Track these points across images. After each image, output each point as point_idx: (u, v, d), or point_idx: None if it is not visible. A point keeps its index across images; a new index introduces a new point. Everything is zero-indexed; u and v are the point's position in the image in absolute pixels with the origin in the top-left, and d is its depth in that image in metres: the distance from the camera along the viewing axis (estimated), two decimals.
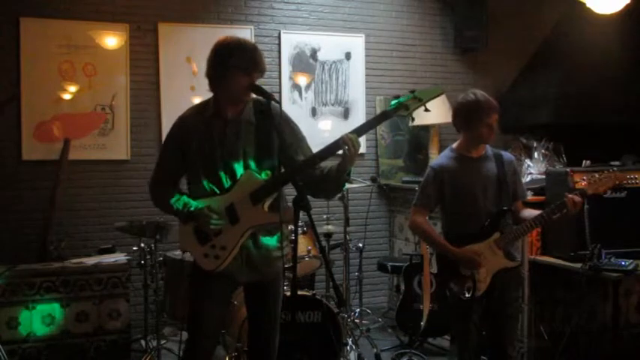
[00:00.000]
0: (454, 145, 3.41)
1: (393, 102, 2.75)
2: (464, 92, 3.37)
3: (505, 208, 3.28)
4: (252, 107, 2.87)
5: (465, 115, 3.30)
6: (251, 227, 2.77)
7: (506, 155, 3.43)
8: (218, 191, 2.81)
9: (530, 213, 3.31)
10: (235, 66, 2.75)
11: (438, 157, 3.52)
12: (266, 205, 2.76)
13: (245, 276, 2.90)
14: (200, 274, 2.85)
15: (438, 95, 2.85)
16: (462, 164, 3.33)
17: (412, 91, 2.78)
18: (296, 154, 2.83)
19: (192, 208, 2.82)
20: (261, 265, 2.87)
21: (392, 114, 2.76)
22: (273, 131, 2.78)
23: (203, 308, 2.88)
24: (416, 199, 3.42)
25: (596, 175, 3.21)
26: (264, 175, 2.79)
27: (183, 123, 2.89)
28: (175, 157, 2.90)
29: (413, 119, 2.83)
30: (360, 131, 2.71)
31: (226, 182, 2.80)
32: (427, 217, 3.39)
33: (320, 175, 2.78)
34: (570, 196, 3.13)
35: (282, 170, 2.82)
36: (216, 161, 2.81)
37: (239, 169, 2.80)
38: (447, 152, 3.42)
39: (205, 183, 2.84)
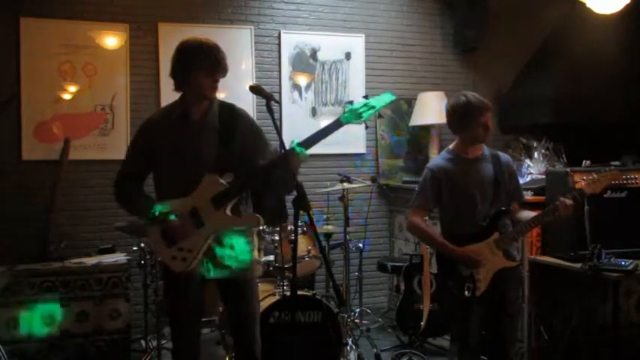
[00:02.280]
0: (451, 147, 3.41)
1: (347, 109, 2.80)
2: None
3: (503, 208, 3.29)
4: (218, 110, 2.93)
5: (459, 117, 3.30)
6: (215, 231, 2.83)
7: (504, 156, 3.44)
8: (182, 193, 2.84)
9: (527, 214, 3.32)
10: (198, 68, 2.82)
11: (434, 159, 3.53)
12: (228, 209, 2.81)
13: (214, 274, 2.95)
14: (171, 274, 2.92)
15: (390, 101, 2.89)
16: (458, 165, 3.33)
17: (365, 97, 2.84)
18: (257, 159, 2.87)
19: (156, 212, 2.87)
20: (228, 263, 2.92)
21: (344, 123, 2.81)
22: (237, 135, 2.85)
23: (179, 307, 2.98)
24: (413, 200, 3.43)
25: (594, 175, 3.23)
26: (226, 179, 2.81)
27: (151, 125, 2.97)
28: (140, 157, 2.97)
29: (367, 127, 2.92)
30: (312, 141, 2.79)
31: (190, 185, 2.83)
32: (425, 218, 3.39)
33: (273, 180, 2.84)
34: (562, 199, 3.17)
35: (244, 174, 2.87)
36: (180, 163, 2.86)
37: (202, 172, 2.82)
38: (443, 154, 3.43)
39: (170, 185, 2.89)
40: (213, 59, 2.84)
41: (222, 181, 2.80)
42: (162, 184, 2.94)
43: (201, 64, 2.82)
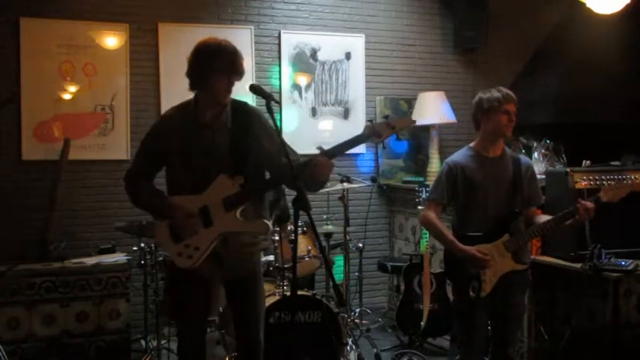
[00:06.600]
0: (472, 144, 3.40)
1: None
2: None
3: (516, 210, 3.26)
4: (231, 110, 2.91)
5: (486, 103, 3.26)
6: (223, 233, 2.82)
7: (525, 159, 3.42)
8: (194, 192, 2.84)
9: (543, 218, 3.30)
10: (216, 69, 2.80)
11: (454, 154, 3.49)
12: (238, 212, 2.80)
13: (220, 275, 2.96)
14: (178, 270, 2.90)
15: (410, 124, 2.91)
16: (476, 162, 3.31)
17: (385, 117, 2.86)
18: (279, 159, 2.85)
19: (166, 207, 2.86)
20: (234, 263, 2.92)
21: (365, 140, 2.86)
22: (250, 136, 2.84)
23: (184, 303, 2.98)
24: (429, 193, 3.45)
25: (612, 183, 3.19)
26: (238, 181, 2.80)
27: (164, 123, 2.97)
28: (153, 155, 2.96)
29: (384, 147, 2.95)
30: (334, 153, 2.83)
31: (203, 184, 2.82)
32: (439, 213, 3.37)
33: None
34: (583, 202, 3.12)
35: (268, 175, 2.90)
36: (193, 163, 2.85)
37: (215, 171, 2.82)
38: (464, 150, 3.41)
39: (182, 183, 2.88)
40: (231, 60, 2.83)
41: (235, 183, 2.78)
42: (174, 183, 2.93)
43: (219, 66, 2.80)
